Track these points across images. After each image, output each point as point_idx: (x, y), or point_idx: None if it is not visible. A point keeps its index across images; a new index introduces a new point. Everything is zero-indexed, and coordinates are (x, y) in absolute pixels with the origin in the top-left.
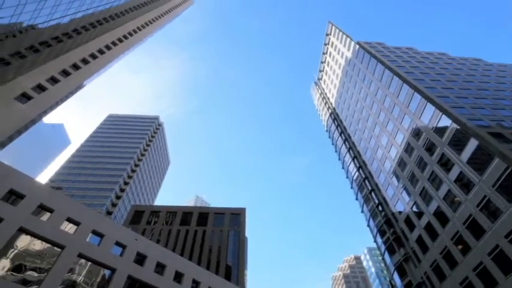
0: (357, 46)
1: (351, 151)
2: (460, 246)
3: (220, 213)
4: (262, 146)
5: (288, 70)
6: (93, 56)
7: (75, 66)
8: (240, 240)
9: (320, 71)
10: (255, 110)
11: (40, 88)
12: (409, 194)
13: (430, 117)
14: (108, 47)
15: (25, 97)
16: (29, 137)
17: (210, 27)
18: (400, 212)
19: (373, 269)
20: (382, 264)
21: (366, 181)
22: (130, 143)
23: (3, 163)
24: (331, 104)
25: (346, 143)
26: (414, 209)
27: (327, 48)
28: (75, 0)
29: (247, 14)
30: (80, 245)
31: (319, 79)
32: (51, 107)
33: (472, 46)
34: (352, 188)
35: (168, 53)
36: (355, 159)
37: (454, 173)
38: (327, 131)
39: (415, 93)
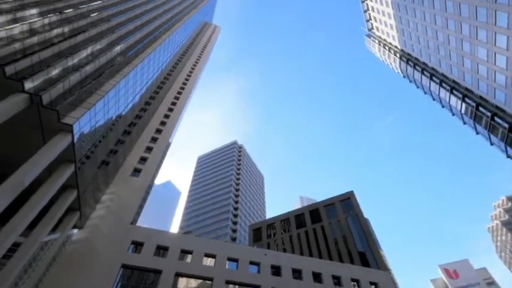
0: None
1: (444, 84)
2: None
3: (329, 204)
4: (339, 126)
5: (329, 42)
6: (167, 116)
7: (158, 131)
8: (361, 224)
9: (367, 21)
10: (317, 95)
11: (143, 160)
12: None
13: None
14: (173, 103)
15: (136, 171)
16: (151, 200)
17: (242, 38)
18: None
19: None
20: None
21: (481, 108)
22: (224, 172)
23: (145, 227)
24: (396, 47)
25: (434, 78)
26: None
27: None
28: (137, 80)
29: (265, 9)
30: (224, 273)
31: (369, 30)
32: (156, 170)
33: None
34: (465, 123)
35: (218, 81)
36: (454, 91)
37: None
38: (404, 76)
39: None
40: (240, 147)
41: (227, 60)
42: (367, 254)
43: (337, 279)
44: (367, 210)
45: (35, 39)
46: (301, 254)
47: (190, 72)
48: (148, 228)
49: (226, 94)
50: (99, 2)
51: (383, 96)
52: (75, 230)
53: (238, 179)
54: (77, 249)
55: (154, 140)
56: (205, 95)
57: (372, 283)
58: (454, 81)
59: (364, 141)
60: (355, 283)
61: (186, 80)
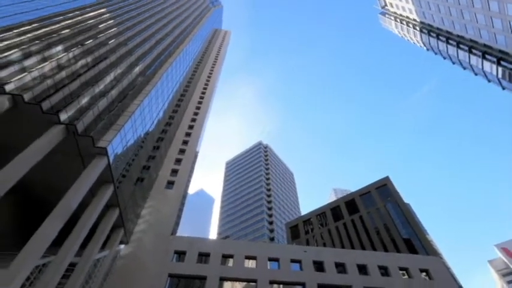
0: None
1: (473, 50)
2: None
3: (365, 193)
4: (364, 112)
5: (341, 29)
6: (191, 127)
7: (185, 142)
8: (402, 209)
9: None
10: (338, 84)
11: (174, 172)
12: None
13: None
14: (195, 113)
15: (170, 183)
16: (186, 210)
17: (252, 38)
18: None
19: None
20: None
21: None
22: (253, 174)
23: (185, 236)
24: (414, 20)
25: (462, 45)
26: None
27: None
28: (159, 96)
29: (271, 6)
30: (266, 274)
31: (383, 7)
32: (188, 180)
33: None
34: (504, 88)
35: (235, 83)
36: (487, 55)
37: None
38: (428, 49)
39: None
40: (265, 147)
41: (241, 62)
42: (413, 241)
43: (384, 270)
44: (407, 195)
45: (63, 73)
46: (343, 247)
47: (208, 80)
48: (188, 237)
49: (245, 95)
50: (114, 29)
51: (408, 74)
52: (122, 246)
53: (268, 179)
54: (126, 264)
55: (182, 151)
56: (224, 100)
57: (422, 270)
58: (485, 45)
59: (393, 123)
60: (403, 272)
61: (205, 88)
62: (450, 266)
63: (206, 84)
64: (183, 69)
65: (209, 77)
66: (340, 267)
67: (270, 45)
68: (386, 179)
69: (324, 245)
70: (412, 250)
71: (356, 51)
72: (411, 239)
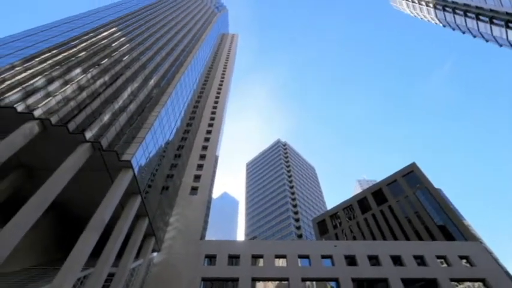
0: None
1: (495, 20)
2: None
3: (392, 182)
4: (382, 99)
5: (349, 17)
6: (209, 132)
7: (204, 148)
8: (433, 195)
9: None
10: (352, 73)
11: (197, 177)
12: None
13: None
14: (212, 118)
15: (194, 189)
16: (212, 214)
17: (260, 37)
18: None
19: None
20: None
21: None
22: (275, 173)
23: (214, 240)
24: None
25: (481, 17)
26: None
27: None
28: (175, 106)
29: (275, 4)
30: (298, 271)
31: None
32: (211, 184)
33: None
34: None
35: (248, 84)
36: (510, 24)
37: None
38: (444, 26)
39: None
40: (284, 145)
41: (251, 62)
42: (449, 227)
43: (420, 259)
44: (437, 180)
45: (84, 94)
46: (374, 239)
47: (220, 84)
48: (217, 241)
49: (259, 95)
50: (127, 45)
51: (426, 55)
52: (155, 254)
53: (290, 176)
54: (160, 271)
55: (202, 157)
56: (239, 101)
57: (461, 257)
58: (507, 13)
59: (415, 107)
60: (441, 260)
61: (218, 92)
62: (492, 250)
63: (219, 89)
64: (196, 77)
65: (221, 81)
66: (374, 260)
67: (278, 42)
68: (413, 165)
69: (354, 238)
70: (449, 237)
71: (367, 37)
72: (446, 226)
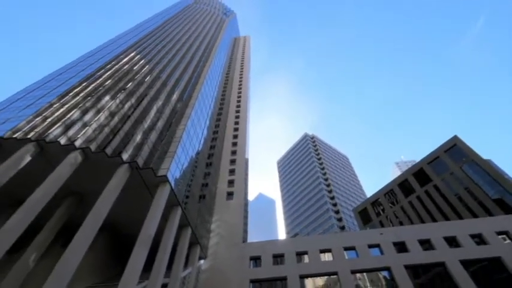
0: None
1: None
2: None
3: (433, 160)
4: (408, 76)
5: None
6: (235, 136)
7: (233, 152)
8: (482, 167)
9: None
10: (372, 54)
11: (231, 182)
12: None
13: None
14: (236, 122)
15: (230, 195)
16: (251, 217)
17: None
18: None
19: None
20: None
21: None
22: (307, 167)
23: (256, 241)
24: None
25: None
26: None
27: None
28: (200, 116)
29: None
30: (346, 264)
31: None
32: (246, 187)
33: None
34: None
35: (266, 82)
36: None
37: None
38: None
39: None
40: (312, 138)
41: (266, 61)
42: (506, 199)
43: (478, 238)
44: (484, 151)
45: (116, 118)
46: (422, 222)
47: (240, 88)
48: (259, 242)
49: (279, 92)
50: (147, 67)
51: (453, 14)
52: (202, 261)
53: (323, 168)
54: (209, 277)
55: (233, 161)
56: (260, 101)
57: None
58: None
59: (443, 79)
60: (503, 236)
61: (239, 96)
62: None
63: (239, 92)
64: (215, 84)
65: (240, 84)
66: (426, 244)
67: (290, 36)
68: (455, 138)
69: (401, 223)
70: (508, 210)
71: (382, 17)
72: (503, 198)
